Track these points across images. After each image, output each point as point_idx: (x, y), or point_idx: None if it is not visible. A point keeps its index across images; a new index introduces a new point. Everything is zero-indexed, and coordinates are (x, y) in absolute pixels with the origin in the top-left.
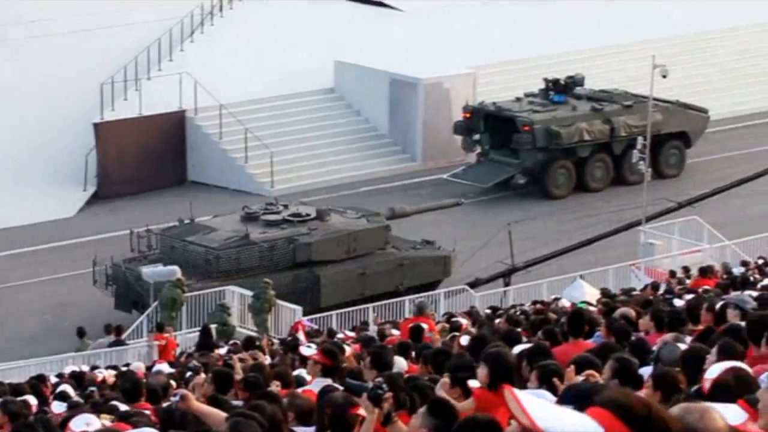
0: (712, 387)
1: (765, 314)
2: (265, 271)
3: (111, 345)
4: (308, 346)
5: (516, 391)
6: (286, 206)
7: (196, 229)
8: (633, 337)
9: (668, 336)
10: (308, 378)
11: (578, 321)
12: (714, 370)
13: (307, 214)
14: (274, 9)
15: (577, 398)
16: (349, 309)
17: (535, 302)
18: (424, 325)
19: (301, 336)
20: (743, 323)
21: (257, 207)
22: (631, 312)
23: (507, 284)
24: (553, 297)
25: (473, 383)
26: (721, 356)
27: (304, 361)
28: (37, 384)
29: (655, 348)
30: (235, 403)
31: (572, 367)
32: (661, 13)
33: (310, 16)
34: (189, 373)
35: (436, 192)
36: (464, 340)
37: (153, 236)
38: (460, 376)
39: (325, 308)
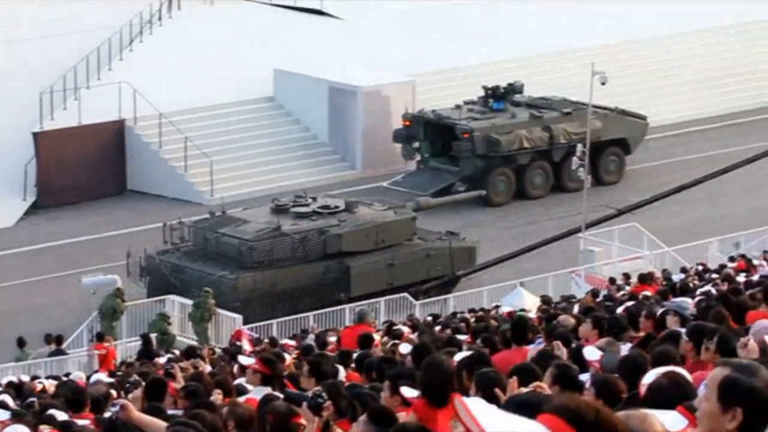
0: (648, 391)
1: (702, 324)
2: (297, 262)
3: (51, 354)
4: (249, 356)
5: (465, 399)
6: (314, 198)
7: (228, 221)
8: (573, 345)
9: (601, 342)
10: (250, 387)
11: (521, 328)
12: (650, 375)
13: (336, 206)
14: (213, 18)
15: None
16: (290, 317)
17: (471, 310)
18: (376, 336)
19: (246, 344)
20: (683, 329)
21: (286, 199)
22: (570, 319)
23: (448, 292)
24: (493, 305)
25: (407, 391)
26: (656, 365)
27: (244, 369)
28: None
29: (584, 352)
30: (174, 412)
31: (514, 377)
32: (600, 20)
33: (248, 25)
34: (128, 385)
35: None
36: (404, 348)
37: (186, 228)
38: (398, 385)
39: (355, 298)
